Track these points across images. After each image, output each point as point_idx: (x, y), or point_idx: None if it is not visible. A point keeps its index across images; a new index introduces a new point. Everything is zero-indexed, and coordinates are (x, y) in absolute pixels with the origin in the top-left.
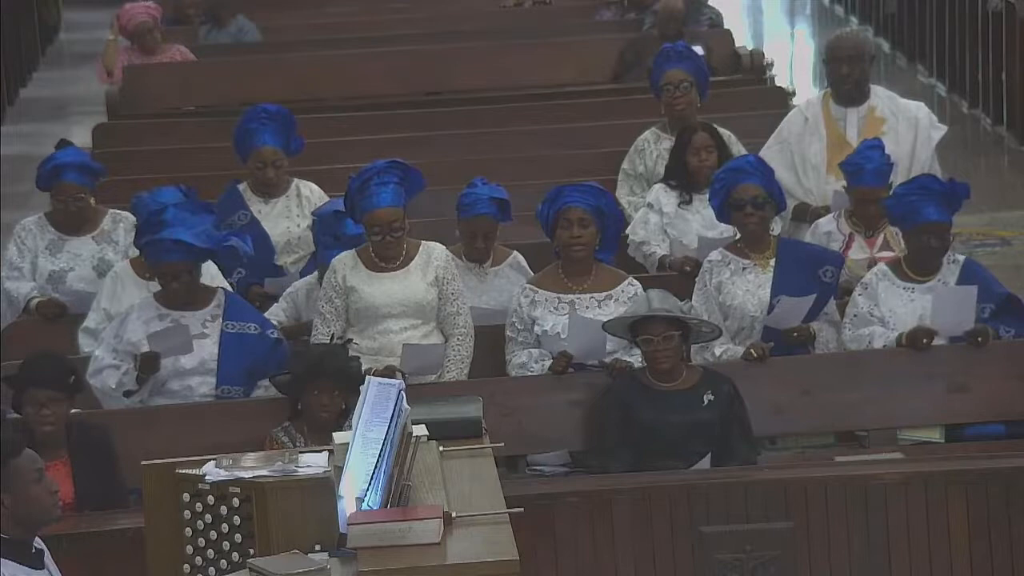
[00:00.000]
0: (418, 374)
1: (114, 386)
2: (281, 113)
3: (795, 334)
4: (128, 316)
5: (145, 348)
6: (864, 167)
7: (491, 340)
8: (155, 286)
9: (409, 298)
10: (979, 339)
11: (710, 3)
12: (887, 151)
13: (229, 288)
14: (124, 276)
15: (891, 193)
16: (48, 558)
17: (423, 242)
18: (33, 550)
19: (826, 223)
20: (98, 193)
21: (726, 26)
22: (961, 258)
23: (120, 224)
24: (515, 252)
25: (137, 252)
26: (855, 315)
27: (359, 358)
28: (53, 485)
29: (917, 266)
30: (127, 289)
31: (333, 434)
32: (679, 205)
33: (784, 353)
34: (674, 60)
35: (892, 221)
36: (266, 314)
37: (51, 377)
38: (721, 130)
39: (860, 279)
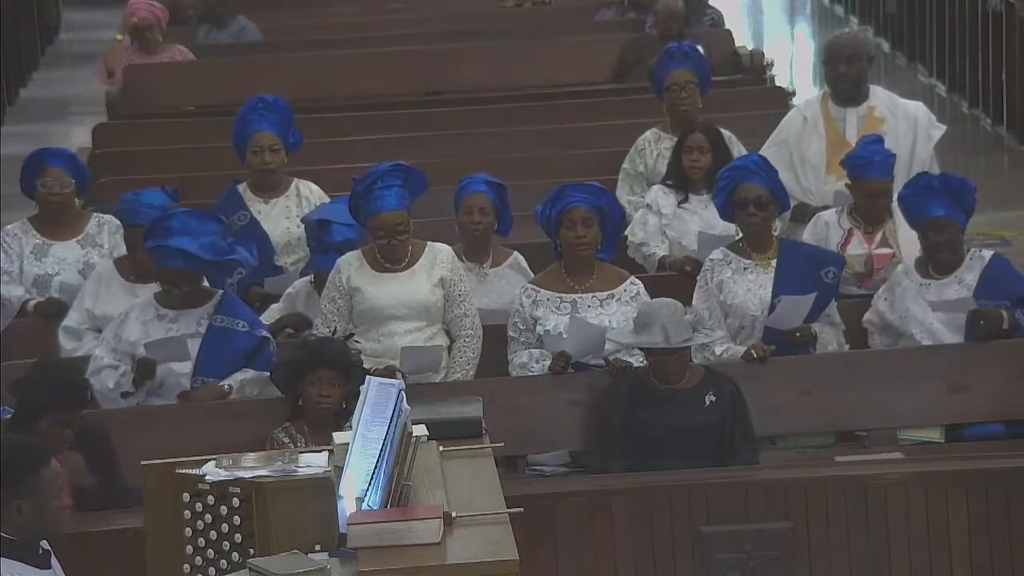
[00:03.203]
0: (417, 373)
1: (112, 387)
2: (279, 104)
3: (797, 334)
4: (128, 316)
5: (142, 351)
6: (872, 160)
7: (491, 340)
8: (140, 289)
9: (414, 299)
10: (981, 322)
11: (711, 4)
12: (880, 135)
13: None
14: (109, 277)
15: (898, 195)
16: (54, 558)
17: (429, 243)
18: (40, 551)
19: (828, 215)
20: (94, 194)
21: (726, 26)
22: (987, 254)
23: (105, 227)
24: (515, 252)
25: (122, 252)
26: (871, 320)
27: (360, 351)
28: (66, 500)
29: (932, 263)
30: (112, 291)
31: (333, 434)
32: (678, 206)
33: (784, 353)
34: (679, 60)
35: (908, 223)
36: (264, 314)
37: (74, 402)
38: (722, 131)
39: (857, 274)
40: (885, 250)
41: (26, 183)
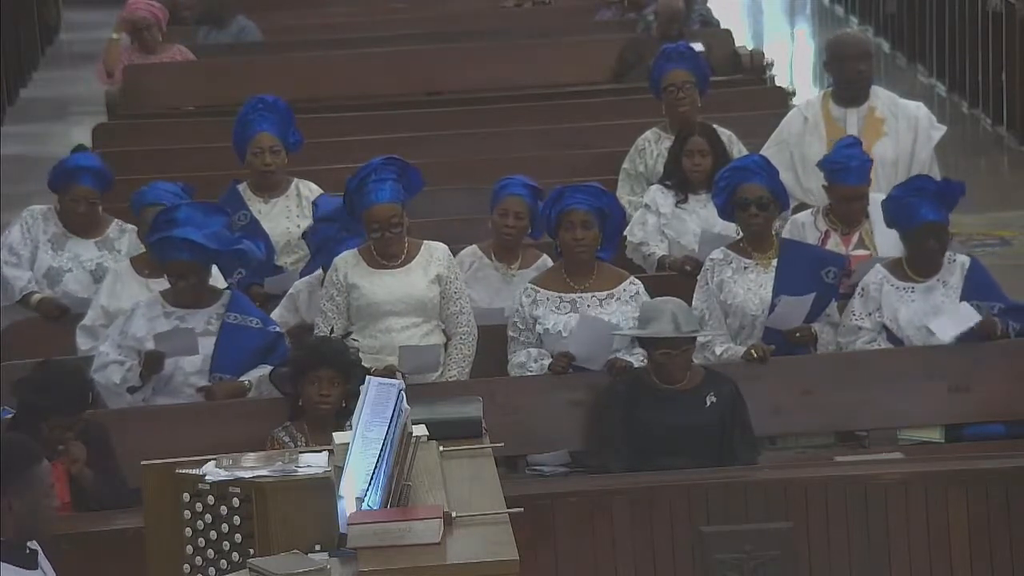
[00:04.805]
0: (415, 373)
1: (118, 382)
2: (279, 104)
3: (797, 334)
4: (134, 313)
5: (149, 345)
6: (849, 165)
7: (497, 340)
8: (155, 284)
9: (410, 295)
10: (987, 334)
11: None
12: (887, 151)
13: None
14: (124, 274)
15: (888, 195)
16: (42, 557)
17: (425, 241)
18: (27, 551)
19: (804, 216)
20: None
21: (726, 26)
22: (966, 259)
23: (126, 235)
24: (544, 255)
25: (139, 251)
26: (844, 324)
27: (358, 349)
28: (56, 501)
29: (918, 267)
30: (126, 286)
31: (333, 434)
32: (676, 205)
33: (784, 353)
34: (675, 60)
35: (889, 223)
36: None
37: (76, 405)
38: (721, 130)
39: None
40: (862, 251)
41: (54, 182)
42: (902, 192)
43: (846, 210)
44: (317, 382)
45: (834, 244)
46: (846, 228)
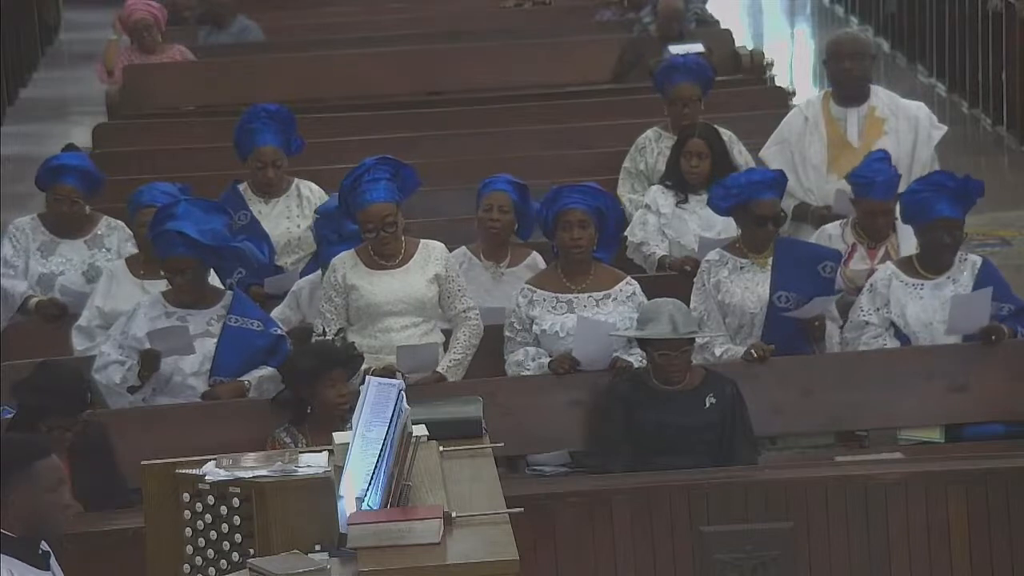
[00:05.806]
0: (413, 372)
1: (118, 381)
2: (281, 113)
3: (816, 323)
4: (135, 312)
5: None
6: (875, 180)
7: (494, 340)
8: (150, 285)
9: (409, 295)
10: (992, 337)
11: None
12: (887, 151)
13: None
14: (119, 274)
15: (906, 190)
16: (53, 561)
17: (422, 240)
18: (40, 551)
19: (832, 228)
20: (97, 194)
21: (726, 26)
22: (977, 259)
23: (115, 232)
24: (534, 252)
25: (131, 249)
26: (852, 320)
27: (353, 343)
28: (67, 499)
29: (929, 263)
30: (122, 287)
31: (333, 434)
32: (676, 205)
33: (784, 353)
34: (683, 73)
35: (905, 219)
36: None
37: (75, 406)
38: (721, 130)
39: (859, 288)
40: None
41: (39, 180)
42: (920, 187)
43: (872, 224)
44: (333, 384)
45: (860, 257)
46: (872, 242)
